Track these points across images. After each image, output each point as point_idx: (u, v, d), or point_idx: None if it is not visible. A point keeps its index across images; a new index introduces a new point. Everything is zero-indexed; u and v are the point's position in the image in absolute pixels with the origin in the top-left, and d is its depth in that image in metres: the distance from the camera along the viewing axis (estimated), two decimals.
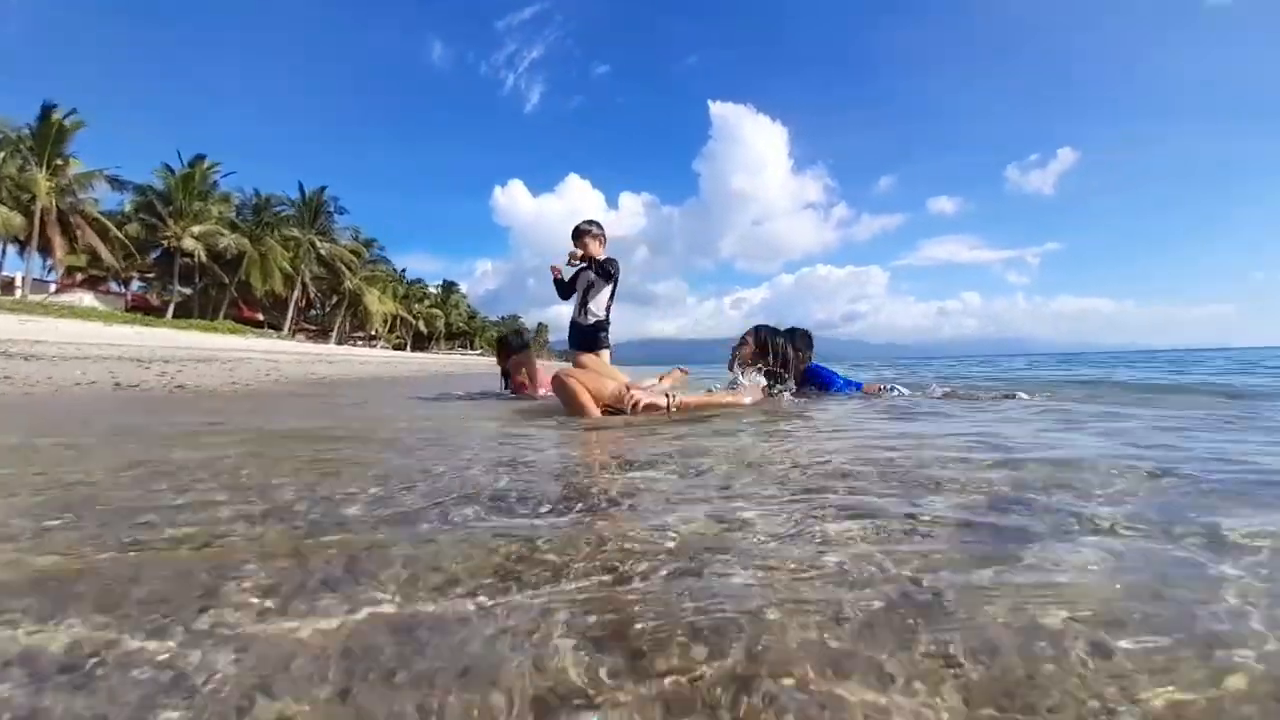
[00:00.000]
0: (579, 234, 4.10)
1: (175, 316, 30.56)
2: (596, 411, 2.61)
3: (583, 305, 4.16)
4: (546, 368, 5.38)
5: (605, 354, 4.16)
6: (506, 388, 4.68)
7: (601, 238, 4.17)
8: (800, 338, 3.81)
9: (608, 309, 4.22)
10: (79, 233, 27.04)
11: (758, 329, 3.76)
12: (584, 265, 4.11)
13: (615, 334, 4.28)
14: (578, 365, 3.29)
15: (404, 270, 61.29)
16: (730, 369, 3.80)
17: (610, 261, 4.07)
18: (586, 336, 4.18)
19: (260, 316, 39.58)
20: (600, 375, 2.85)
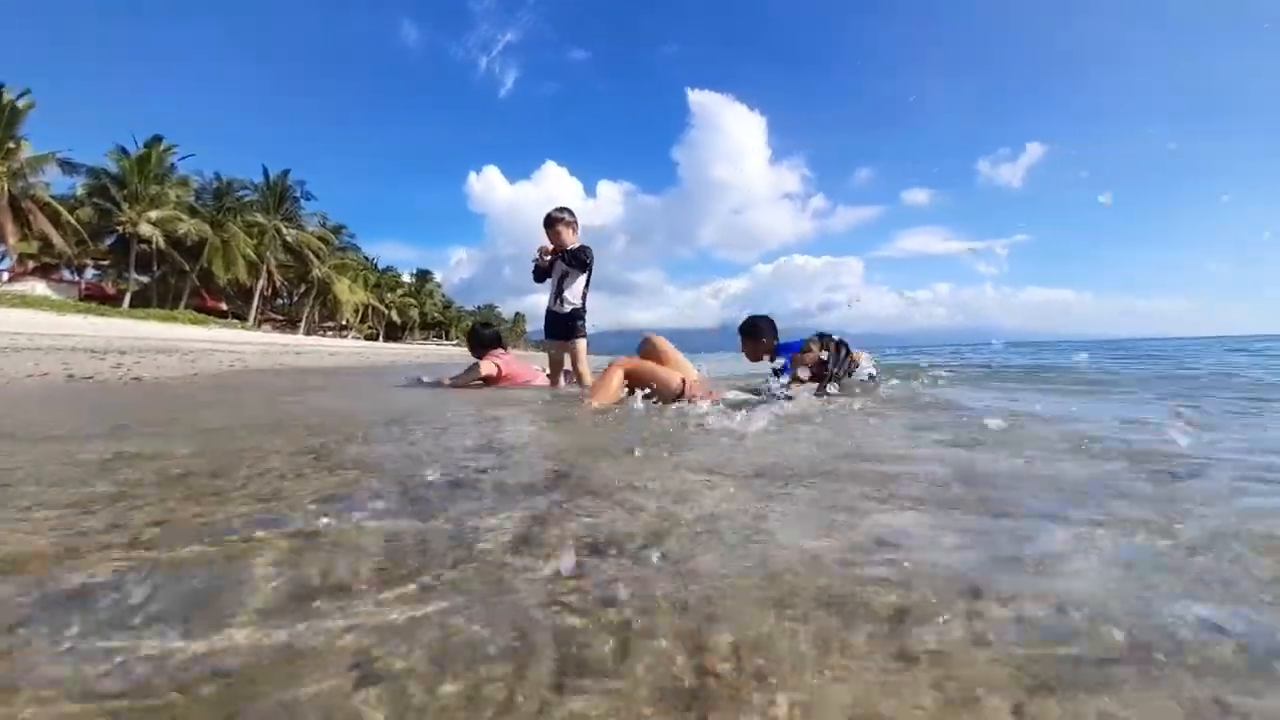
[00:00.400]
0: (551, 222, 4.03)
1: (133, 306, 29.51)
2: (605, 400, 2.54)
3: (558, 294, 4.08)
4: (523, 358, 5.29)
5: (582, 343, 4.11)
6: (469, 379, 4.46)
7: (574, 225, 4.10)
8: (766, 323, 3.86)
9: (584, 297, 4.13)
10: (31, 218, 25.84)
11: (822, 336, 3.59)
12: (559, 256, 4.06)
13: (593, 323, 4.20)
14: (648, 352, 2.97)
15: (376, 259, 60.10)
16: (779, 373, 3.53)
17: (583, 250, 4.00)
18: (563, 325, 4.12)
19: (224, 306, 38.45)
20: (667, 369, 2.64)
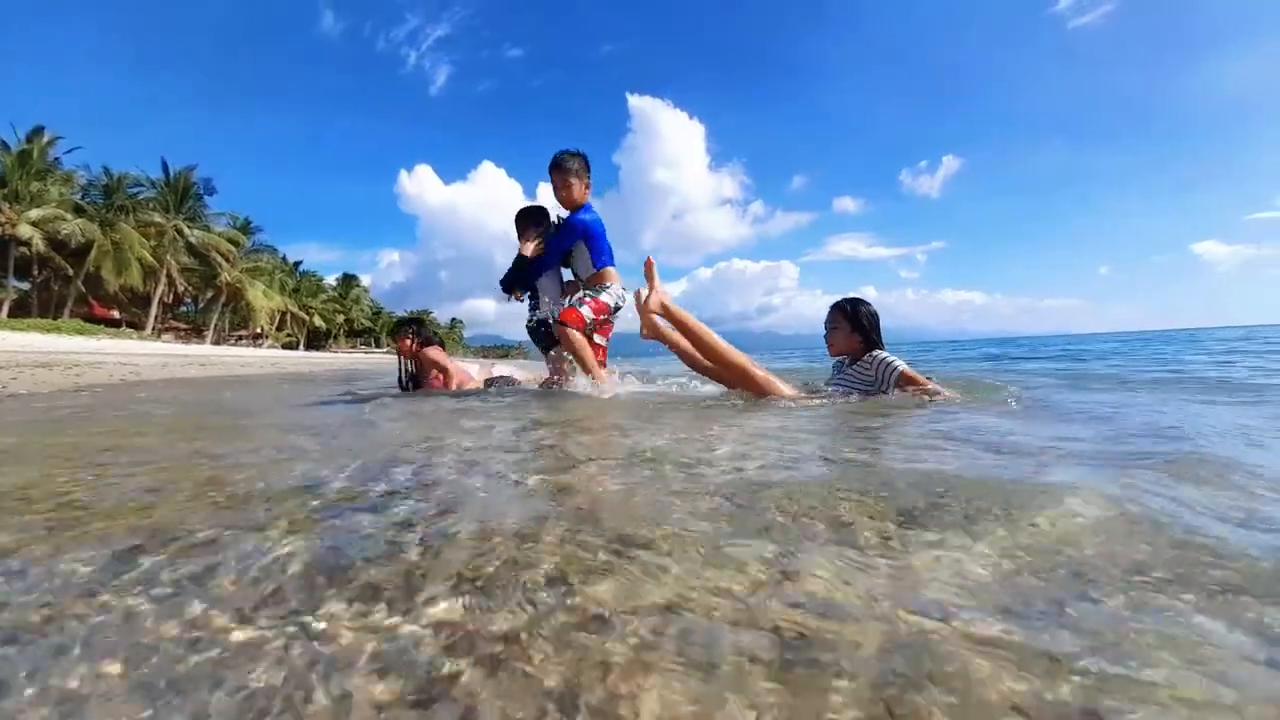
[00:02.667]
0: (536, 219, 3.60)
1: (11, 315, 26.58)
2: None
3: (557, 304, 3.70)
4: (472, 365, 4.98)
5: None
6: (407, 386, 4.20)
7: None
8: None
9: None
10: None
11: (841, 304, 2.90)
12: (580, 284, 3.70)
13: None
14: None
15: (299, 263, 56.77)
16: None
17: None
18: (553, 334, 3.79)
19: (116, 314, 35.22)
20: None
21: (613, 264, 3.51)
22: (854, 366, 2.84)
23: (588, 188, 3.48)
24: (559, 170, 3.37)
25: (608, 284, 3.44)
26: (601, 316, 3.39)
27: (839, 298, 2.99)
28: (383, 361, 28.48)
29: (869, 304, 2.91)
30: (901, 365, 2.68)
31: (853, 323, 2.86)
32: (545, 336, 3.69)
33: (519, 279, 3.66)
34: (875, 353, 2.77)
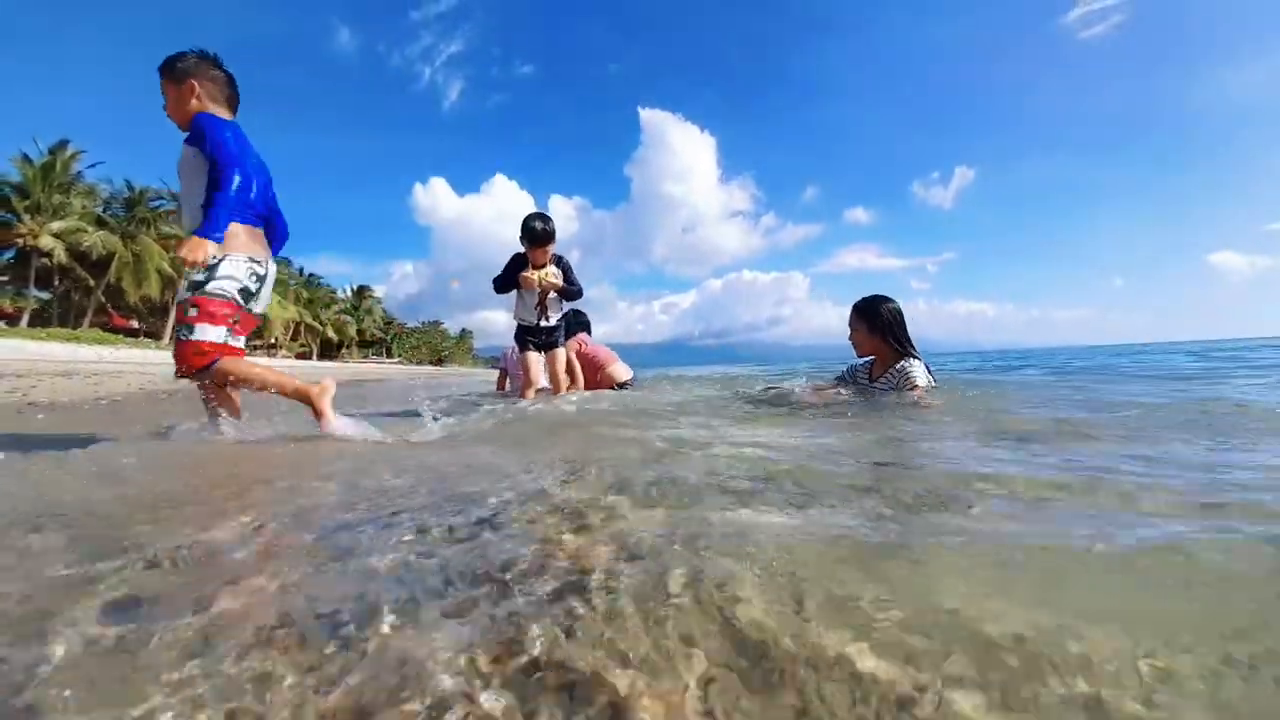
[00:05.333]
0: (540, 238, 3.70)
1: (31, 325, 27.02)
2: None
3: (543, 311, 3.82)
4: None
5: (563, 351, 3.95)
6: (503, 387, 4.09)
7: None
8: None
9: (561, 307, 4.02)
10: None
11: (857, 304, 2.85)
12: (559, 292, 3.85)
13: None
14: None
15: (319, 276, 57.57)
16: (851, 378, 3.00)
17: (575, 282, 3.91)
18: (550, 339, 3.91)
19: (135, 324, 35.72)
20: None
21: (243, 220, 2.08)
22: (883, 378, 2.75)
23: (213, 100, 2.18)
24: (161, 79, 2.17)
25: (224, 254, 2.02)
26: (225, 314, 2.02)
27: (850, 307, 2.89)
28: (390, 371, 28.44)
29: (889, 301, 2.79)
30: (920, 380, 2.60)
31: (869, 322, 2.79)
32: (531, 341, 3.75)
33: (505, 283, 3.74)
34: (904, 363, 2.69)
